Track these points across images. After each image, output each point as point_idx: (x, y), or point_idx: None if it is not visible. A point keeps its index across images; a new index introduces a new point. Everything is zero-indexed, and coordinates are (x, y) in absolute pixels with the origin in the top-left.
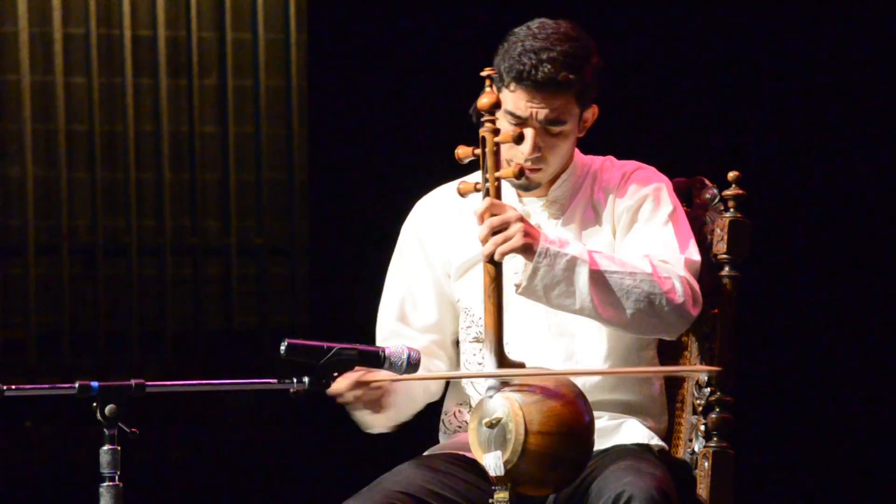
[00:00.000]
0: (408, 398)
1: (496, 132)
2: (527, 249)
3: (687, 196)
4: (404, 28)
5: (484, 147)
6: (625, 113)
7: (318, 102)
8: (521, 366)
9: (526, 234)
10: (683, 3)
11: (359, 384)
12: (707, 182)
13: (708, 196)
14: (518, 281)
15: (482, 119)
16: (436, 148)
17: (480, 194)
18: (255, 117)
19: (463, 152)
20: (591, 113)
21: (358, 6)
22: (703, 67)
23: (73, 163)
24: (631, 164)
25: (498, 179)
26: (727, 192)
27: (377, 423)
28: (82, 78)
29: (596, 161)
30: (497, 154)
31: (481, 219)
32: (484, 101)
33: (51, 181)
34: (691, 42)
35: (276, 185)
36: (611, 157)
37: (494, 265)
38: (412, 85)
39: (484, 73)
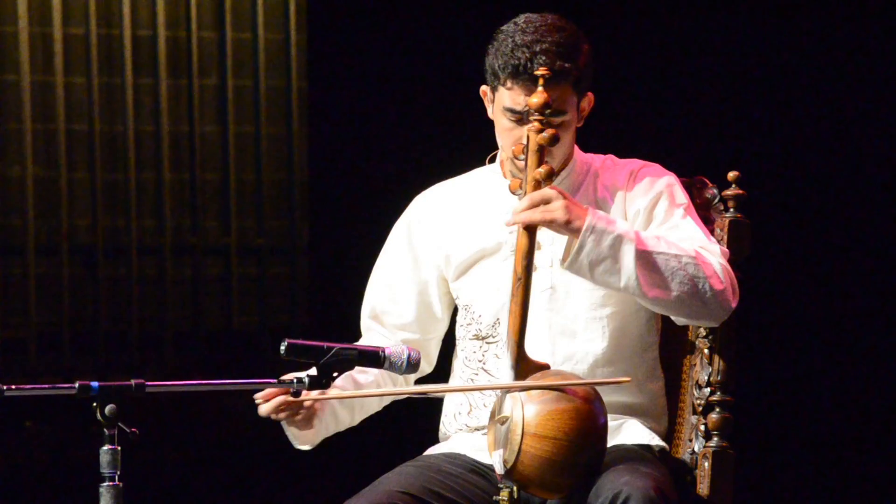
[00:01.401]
0: (342, 412)
1: (540, 131)
2: (567, 225)
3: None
4: (404, 28)
5: (528, 145)
6: (625, 112)
7: (318, 102)
8: (546, 367)
9: (568, 209)
10: (683, 4)
11: (285, 404)
12: (707, 182)
13: (708, 196)
14: (563, 256)
15: (531, 118)
16: (435, 147)
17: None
18: (255, 117)
19: (517, 149)
20: (588, 101)
21: (358, 6)
22: (703, 67)
23: (73, 163)
24: (636, 163)
25: (536, 179)
26: (727, 192)
27: (305, 439)
28: (82, 78)
29: (596, 159)
30: (539, 153)
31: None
32: (534, 100)
33: (51, 181)
34: (691, 42)
35: (276, 185)
36: (611, 156)
37: (525, 270)
38: (412, 85)
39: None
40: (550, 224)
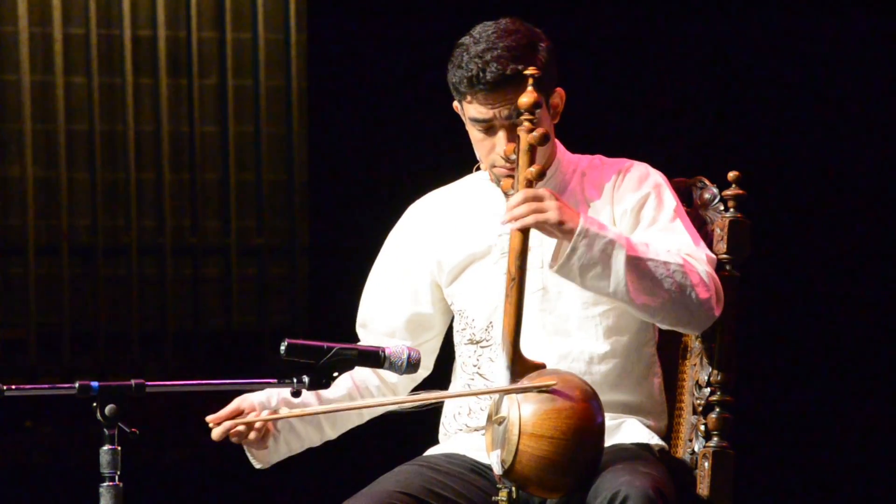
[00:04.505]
0: (306, 430)
1: (530, 131)
2: (559, 226)
3: (687, 196)
4: (404, 28)
5: (518, 145)
6: (626, 113)
7: (318, 102)
8: (542, 366)
9: (560, 210)
10: (683, 4)
11: (234, 426)
12: (707, 182)
13: (708, 196)
14: (554, 259)
15: (521, 117)
16: (435, 148)
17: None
18: (255, 117)
19: (508, 149)
20: (558, 97)
21: (358, 6)
22: (702, 67)
23: (73, 163)
24: (624, 162)
25: (527, 178)
26: (727, 192)
27: (260, 458)
28: (82, 78)
29: (583, 160)
30: (530, 153)
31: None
32: (524, 99)
33: (51, 181)
34: (691, 42)
35: (276, 185)
36: (599, 156)
37: (518, 270)
38: (412, 85)
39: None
40: (543, 224)
